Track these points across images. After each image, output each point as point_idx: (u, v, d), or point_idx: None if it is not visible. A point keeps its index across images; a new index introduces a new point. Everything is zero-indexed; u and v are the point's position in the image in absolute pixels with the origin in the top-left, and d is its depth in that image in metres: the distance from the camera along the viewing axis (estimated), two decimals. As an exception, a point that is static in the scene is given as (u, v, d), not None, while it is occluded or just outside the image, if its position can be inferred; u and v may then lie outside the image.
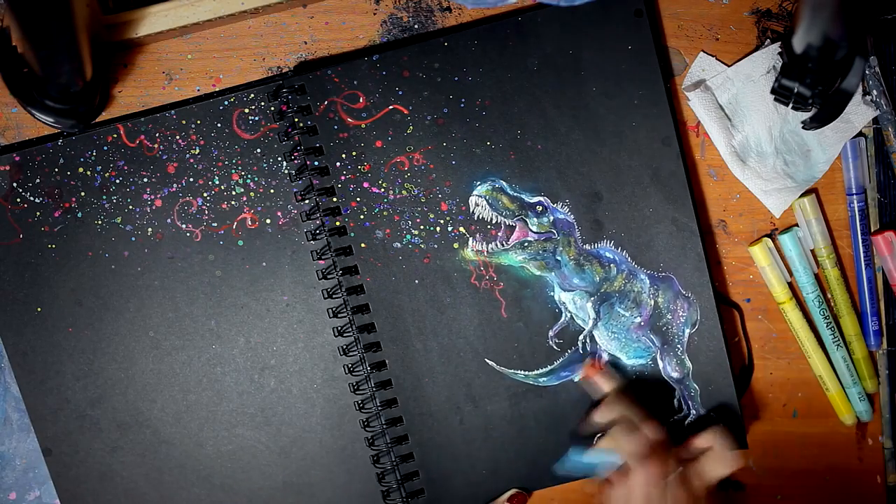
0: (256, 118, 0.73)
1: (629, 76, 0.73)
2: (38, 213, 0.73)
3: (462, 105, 0.73)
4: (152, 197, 0.73)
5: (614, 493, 0.70)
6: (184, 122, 0.73)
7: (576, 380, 0.75)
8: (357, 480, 0.76)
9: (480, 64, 0.73)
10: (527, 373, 0.76)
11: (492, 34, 0.73)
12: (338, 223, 0.74)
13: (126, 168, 0.73)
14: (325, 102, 0.73)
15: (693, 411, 0.76)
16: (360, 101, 0.73)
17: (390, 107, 0.73)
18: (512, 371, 0.75)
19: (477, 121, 0.73)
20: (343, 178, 0.73)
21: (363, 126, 0.73)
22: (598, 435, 0.72)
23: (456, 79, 0.73)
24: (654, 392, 0.76)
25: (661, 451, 0.70)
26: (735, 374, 0.76)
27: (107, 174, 0.73)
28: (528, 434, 0.76)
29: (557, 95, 0.73)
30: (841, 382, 0.78)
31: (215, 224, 0.74)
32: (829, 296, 0.78)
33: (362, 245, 0.74)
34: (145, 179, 0.73)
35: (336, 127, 0.73)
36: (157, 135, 0.73)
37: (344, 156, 0.73)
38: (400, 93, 0.73)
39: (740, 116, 0.75)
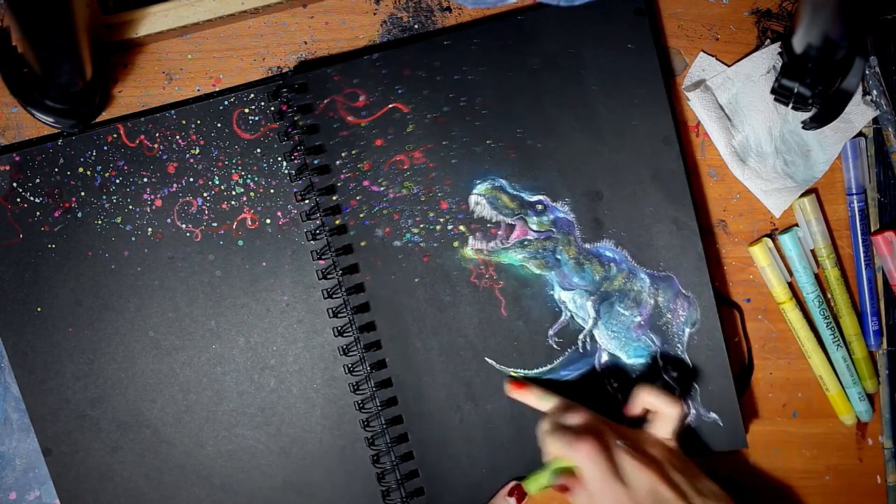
0: (256, 118, 0.73)
1: (629, 75, 0.73)
2: (38, 213, 0.73)
3: (462, 103, 0.73)
4: (152, 197, 0.73)
5: (575, 496, 0.68)
6: (184, 122, 0.73)
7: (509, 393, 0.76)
8: (357, 480, 0.76)
9: (481, 62, 0.73)
10: (527, 371, 0.75)
11: (493, 33, 0.73)
12: (338, 222, 0.74)
13: (126, 168, 0.73)
14: (326, 101, 0.73)
15: (693, 410, 0.76)
16: (361, 99, 0.73)
17: (391, 105, 0.73)
18: (512, 369, 0.75)
19: (477, 119, 0.73)
20: (343, 176, 0.73)
21: (363, 124, 0.73)
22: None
23: (456, 77, 0.73)
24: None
25: (594, 429, 0.69)
26: (735, 374, 0.76)
27: (107, 174, 0.73)
28: (528, 433, 0.76)
29: (558, 94, 0.73)
30: (841, 382, 0.78)
31: (215, 224, 0.74)
32: (829, 296, 0.78)
33: (362, 244, 0.74)
34: (145, 179, 0.73)
35: (336, 125, 0.73)
36: (157, 135, 0.73)
37: (344, 154, 0.73)
38: (400, 91, 0.73)
39: (740, 116, 0.75)
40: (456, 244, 0.74)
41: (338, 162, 0.73)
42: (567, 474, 0.68)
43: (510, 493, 0.75)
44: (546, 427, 0.70)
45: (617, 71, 0.73)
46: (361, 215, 0.74)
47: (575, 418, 0.70)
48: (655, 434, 0.71)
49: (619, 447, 0.68)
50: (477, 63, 0.73)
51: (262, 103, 0.73)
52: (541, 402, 0.74)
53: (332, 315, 0.74)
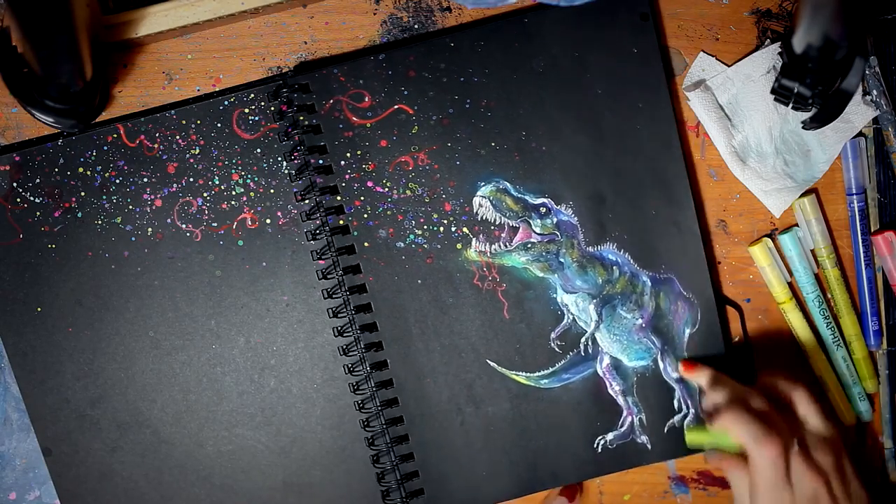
0: (256, 118, 0.73)
1: (634, 79, 0.73)
2: (38, 213, 0.73)
3: (467, 106, 0.73)
4: (152, 197, 0.73)
5: (736, 477, 0.70)
6: (184, 122, 0.73)
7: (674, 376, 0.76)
8: (357, 480, 0.76)
9: (486, 65, 0.73)
10: (528, 374, 0.76)
11: (498, 35, 0.73)
12: (341, 222, 0.74)
13: (126, 168, 0.73)
14: (331, 101, 0.73)
15: (693, 411, 0.76)
16: (366, 100, 0.73)
17: (396, 106, 0.73)
18: (513, 372, 0.75)
19: (482, 122, 0.73)
20: (347, 176, 0.73)
21: (368, 125, 0.73)
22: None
23: (461, 79, 0.73)
24: (656, 393, 0.76)
25: (778, 426, 0.69)
26: (735, 375, 0.76)
27: (107, 174, 0.73)
28: (529, 436, 0.76)
29: (562, 97, 0.73)
30: (841, 382, 0.78)
31: (215, 224, 0.74)
32: (829, 296, 0.78)
33: (365, 244, 0.74)
34: (145, 179, 0.73)
35: (341, 125, 0.73)
36: (157, 135, 0.73)
37: (349, 154, 0.73)
38: (405, 92, 0.73)
39: (740, 116, 0.75)
40: (459, 246, 0.74)
41: (342, 162, 0.73)
42: (733, 456, 0.70)
43: (562, 493, 0.76)
44: (734, 409, 0.69)
45: (621, 75, 0.73)
46: (365, 216, 0.74)
47: (759, 404, 0.70)
48: (817, 429, 0.71)
49: (795, 452, 0.68)
50: (482, 65, 0.73)
51: (263, 103, 0.73)
52: (714, 385, 0.73)
53: (332, 315, 0.74)
